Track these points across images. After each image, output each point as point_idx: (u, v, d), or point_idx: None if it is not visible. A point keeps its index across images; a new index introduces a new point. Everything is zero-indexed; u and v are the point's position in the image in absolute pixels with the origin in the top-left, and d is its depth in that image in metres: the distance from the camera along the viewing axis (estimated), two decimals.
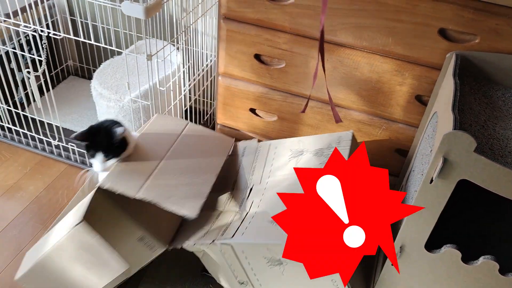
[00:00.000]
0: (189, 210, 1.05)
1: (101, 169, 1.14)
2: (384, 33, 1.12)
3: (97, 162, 1.13)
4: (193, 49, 1.62)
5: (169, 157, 1.20)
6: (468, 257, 0.92)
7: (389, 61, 1.16)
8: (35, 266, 1.11)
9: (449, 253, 0.92)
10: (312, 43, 1.20)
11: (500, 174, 0.78)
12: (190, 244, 1.11)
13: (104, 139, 1.13)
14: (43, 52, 1.41)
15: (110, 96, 1.52)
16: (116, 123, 1.16)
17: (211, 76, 1.75)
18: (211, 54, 1.69)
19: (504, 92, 1.06)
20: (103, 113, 1.58)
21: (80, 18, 1.76)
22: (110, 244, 1.07)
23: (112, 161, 1.14)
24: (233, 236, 1.07)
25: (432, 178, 0.84)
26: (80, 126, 1.78)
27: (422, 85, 1.17)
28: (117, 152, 1.14)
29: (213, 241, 1.07)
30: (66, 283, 1.13)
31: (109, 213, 1.09)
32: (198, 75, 1.65)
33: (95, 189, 1.07)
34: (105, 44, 1.41)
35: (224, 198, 1.21)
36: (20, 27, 1.40)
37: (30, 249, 1.21)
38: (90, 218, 1.03)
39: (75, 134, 1.13)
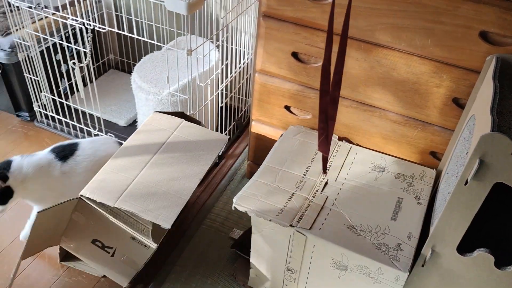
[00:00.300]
0: (164, 220, 1.10)
1: None
2: (423, 34, 1.11)
3: None
4: (231, 47, 1.65)
5: (153, 163, 1.25)
6: (501, 262, 0.91)
7: (427, 62, 1.15)
8: None
9: (482, 257, 0.91)
10: (350, 42, 1.20)
11: None
12: (265, 218, 1.11)
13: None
14: (89, 44, 1.47)
15: (149, 89, 1.57)
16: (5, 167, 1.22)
17: (247, 74, 1.78)
18: (248, 52, 1.72)
19: None
20: (142, 106, 1.63)
21: (124, 13, 1.81)
22: (109, 242, 1.19)
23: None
24: (310, 228, 1.08)
25: (467, 179, 0.84)
26: (118, 117, 1.85)
27: (460, 87, 1.16)
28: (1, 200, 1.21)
29: (291, 225, 1.09)
30: None
31: (97, 218, 1.17)
32: (235, 72, 1.68)
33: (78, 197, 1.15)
34: (147, 39, 1.46)
35: (296, 179, 1.22)
36: (68, 20, 1.47)
37: None
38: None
39: None
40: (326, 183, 1.20)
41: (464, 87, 1.15)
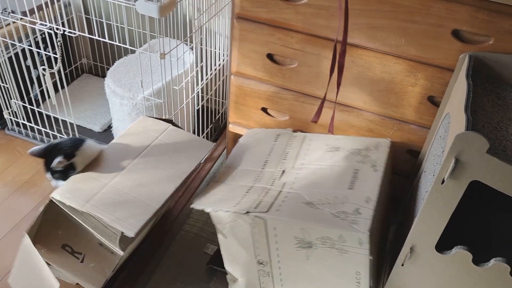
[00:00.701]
0: (128, 228, 1.06)
1: (54, 186, 1.18)
2: (397, 33, 1.12)
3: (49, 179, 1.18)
4: (206, 49, 1.63)
5: (131, 168, 1.21)
6: (479, 259, 0.91)
7: (402, 61, 1.16)
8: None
9: (460, 254, 0.91)
10: (325, 43, 1.20)
11: None
12: (222, 210, 1.09)
13: (50, 162, 1.16)
14: (59, 49, 1.43)
15: (123, 94, 1.54)
16: (74, 146, 1.18)
17: (223, 75, 1.76)
18: (223, 54, 1.70)
19: None
20: (116, 111, 1.60)
21: (95, 16, 1.78)
22: (78, 248, 1.14)
23: (61, 183, 1.17)
24: (267, 211, 1.06)
25: (444, 178, 0.84)
26: (93, 123, 1.81)
27: (434, 86, 1.16)
28: (63, 175, 1.17)
29: (247, 212, 1.06)
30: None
31: (68, 221, 1.14)
32: (211, 74, 1.66)
33: (48, 201, 1.11)
34: (119, 42, 1.43)
35: (254, 174, 1.21)
36: (36, 25, 1.42)
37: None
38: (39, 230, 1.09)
39: (31, 149, 1.16)
40: (284, 171, 1.20)
41: (438, 85, 1.16)
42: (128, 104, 1.53)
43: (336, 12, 1.14)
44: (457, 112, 0.91)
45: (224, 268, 1.22)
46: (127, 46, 1.37)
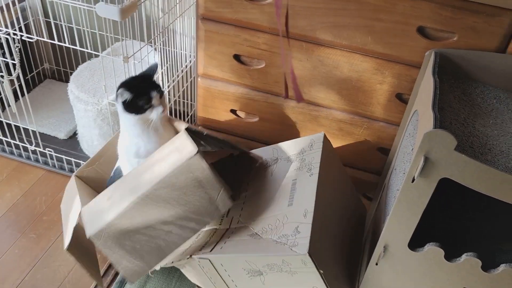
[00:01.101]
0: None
1: (161, 111, 1.10)
2: (363, 32, 1.11)
3: (155, 104, 1.10)
4: (171, 50, 1.60)
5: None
6: (451, 255, 0.92)
7: (369, 60, 1.15)
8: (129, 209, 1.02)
9: (432, 251, 0.92)
10: (291, 42, 1.19)
11: (480, 171, 0.78)
12: (168, 263, 1.11)
13: (149, 79, 1.12)
14: (17, 55, 1.37)
15: (87, 99, 1.49)
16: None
17: (190, 77, 1.73)
18: (190, 55, 1.67)
19: (483, 89, 1.06)
20: (81, 117, 1.55)
21: (55, 20, 1.71)
22: None
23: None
24: (211, 250, 1.06)
25: (414, 177, 0.84)
26: (58, 130, 1.74)
27: (402, 83, 1.16)
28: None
29: (191, 256, 1.07)
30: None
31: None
32: (177, 76, 1.63)
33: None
34: (81, 46, 1.38)
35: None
36: None
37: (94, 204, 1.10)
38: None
39: (121, 86, 1.10)
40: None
41: (406, 83, 1.16)
42: (93, 110, 1.48)
43: (301, 10, 1.13)
44: (425, 109, 0.91)
45: None
46: (88, 50, 1.32)
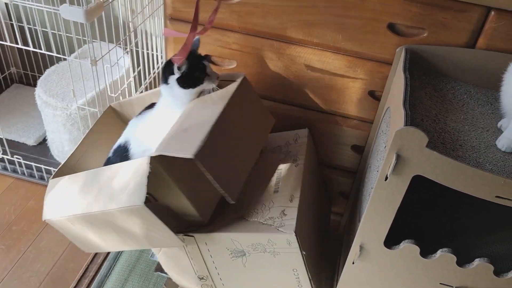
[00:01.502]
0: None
1: (217, 78, 1.07)
2: (334, 29, 1.10)
3: (210, 73, 1.07)
4: (143, 52, 1.56)
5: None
6: (427, 251, 0.92)
7: (341, 57, 1.15)
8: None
9: (408, 248, 0.92)
10: (262, 41, 1.17)
11: (452, 168, 0.78)
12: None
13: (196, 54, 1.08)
14: None
15: (56, 104, 1.45)
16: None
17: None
18: (162, 56, 1.64)
19: (453, 85, 1.07)
20: (50, 122, 1.51)
21: (20, 23, 1.66)
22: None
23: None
24: (196, 229, 1.05)
25: (387, 175, 0.83)
26: (26, 136, 1.69)
27: (374, 80, 1.16)
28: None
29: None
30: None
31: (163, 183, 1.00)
32: (149, 78, 1.60)
33: (148, 158, 0.94)
34: (49, 50, 1.34)
35: None
36: None
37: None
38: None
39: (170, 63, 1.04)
40: None
41: (378, 80, 1.16)
42: (62, 114, 1.44)
43: (271, 9, 1.11)
44: (396, 106, 0.91)
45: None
46: (52, 54, 1.28)
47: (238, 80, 1.10)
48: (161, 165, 0.93)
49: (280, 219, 1.03)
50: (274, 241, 1.02)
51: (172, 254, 1.12)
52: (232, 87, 1.08)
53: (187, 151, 0.91)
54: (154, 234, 0.99)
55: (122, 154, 1.10)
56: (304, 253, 1.03)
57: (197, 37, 1.07)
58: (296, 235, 0.99)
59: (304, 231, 1.04)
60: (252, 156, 1.11)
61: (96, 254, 1.35)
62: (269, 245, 1.03)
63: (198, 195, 1.03)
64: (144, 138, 1.09)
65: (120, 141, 1.13)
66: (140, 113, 1.16)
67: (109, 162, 1.12)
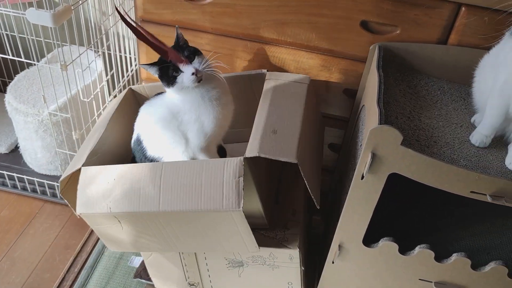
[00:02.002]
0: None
1: (192, 73, 0.96)
2: (307, 28, 1.10)
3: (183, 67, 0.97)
4: (116, 55, 1.53)
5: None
6: (406, 249, 0.92)
7: (315, 56, 1.14)
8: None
9: (387, 246, 0.92)
10: (235, 42, 1.16)
11: (427, 165, 0.78)
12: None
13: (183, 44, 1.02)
14: None
15: (27, 110, 1.41)
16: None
17: (138, 81, 1.67)
18: (135, 59, 1.61)
19: (427, 81, 1.07)
20: (21, 129, 1.47)
21: None
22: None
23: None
24: None
25: (363, 174, 0.83)
26: None
27: (349, 78, 1.16)
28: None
29: None
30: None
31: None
32: (123, 81, 1.57)
33: (242, 160, 0.89)
34: (18, 55, 1.30)
35: None
36: None
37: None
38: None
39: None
40: None
41: (353, 78, 1.16)
42: (33, 121, 1.40)
43: (244, 9, 1.10)
44: (371, 104, 0.91)
45: (151, 280, 1.17)
46: (23, 60, 1.25)
47: (307, 82, 1.09)
48: (249, 166, 0.90)
49: (283, 232, 1.03)
50: (276, 255, 1.02)
51: (163, 259, 1.10)
52: (303, 89, 1.07)
53: (289, 155, 0.89)
54: (233, 237, 0.95)
55: (138, 149, 1.05)
56: (303, 268, 1.03)
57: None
58: (299, 251, 1.00)
59: (305, 246, 1.05)
60: (320, 158, 1.11)
61: (73, 262, 1.32)
62: (270, 258, 1.03)
63: (265, 198, 1.01)
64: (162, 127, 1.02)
65: (135, 135, 1.07)
66: (148, 100, 1.08)
67: (133, 160, 1.07)
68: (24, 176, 1.50)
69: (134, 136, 1.07)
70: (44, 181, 1.49)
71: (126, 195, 0.92)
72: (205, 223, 0.92)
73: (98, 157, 1.02)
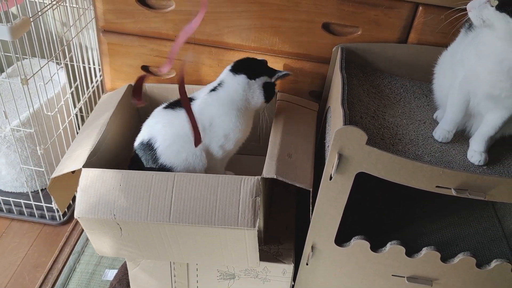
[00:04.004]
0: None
1: None
2: (270, 32, 1.11)
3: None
4: (80, 66, 1.50)
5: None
6: (377, 246, 0.93)
7: (280, 60, 1.15)
8: None
9: (358, 244, 0.93)
10: (201, 49, 1.16)
11: (392, 162, 0.80)
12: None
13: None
14: None
15: None
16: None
17: (103, 92, 1.65)
18: (100, 69, 1.58)
19: (390, 80, 1.09)
20: None
21: None
22: None
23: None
24: None
25: (331, 175, 0.84)
26: None
27: (314, 81, 1.17)
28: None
29: None
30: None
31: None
32: (88, 93, 1.54)
33: (260, 179, 0.90)
34: None
35: None
36: None
37: None
38: None
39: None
40: None
41: (318, 80, 1.17)
42: None
43: (207, 16, 1.10)
44: (336, 105, 0.92)
45: None
46: None
47: (315, 109, 1.14)
48: (262, 186, 0.91)
49: (276, 246, 1.04)
50: (269, 269, 1.02)
51: (151, 271, 1.07)
52: (313, 116, 1.12)
53: (304, 181, 0.92)
54: (237, 253, 0.95)
55: (147, 153, 1.00)
56: (293, 283, 1.04)
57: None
58: (294, 266, 1.01)
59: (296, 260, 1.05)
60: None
61: (43, 281, 1.29)
62: (263, 272, 1.03)
63: (266, 215, 1.03)
64: (184, 141, 0.99)
65: (143, 136, 1.02)
66: (169, 107, 1.04)
67: (134, 160, 1.02)
68: None
69: (144, 138, 1.01)
70: (10, 199, 1.44)
71: (134, 203, 0.90)
72: (214, 238, 0.92)
73: (97, 157, 0.99)
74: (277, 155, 0.95)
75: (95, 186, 0.92)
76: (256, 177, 0.89)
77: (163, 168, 0.99)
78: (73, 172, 0.95)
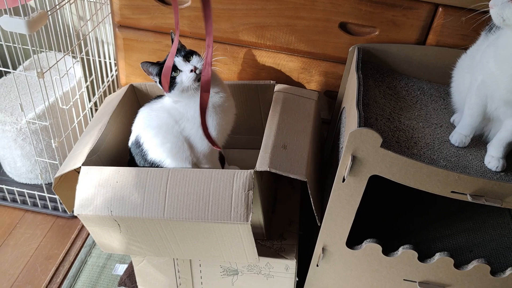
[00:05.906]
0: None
1: (190, 70, 0.95)
2: (286, 31, 1.10)
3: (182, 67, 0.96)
4: (96, 60, 1.51)
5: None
6: (389, 249, 0.92)
7: (295, 59, 1.14)
8: None
9: (370, 247, 0.92)
10: (215, 46, 1.15)
11: (407, 166, 0.78)
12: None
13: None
14: None
15: (4, 119, 1.38)
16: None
17: (118, 86, 1.65)
18: (115, 64, 1.59)
19: (407, 82, 1.07)
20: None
21: None
22: None
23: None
24: None
25: (344, 176, 0.83)
26: None
27: (329, 80, 1.16)
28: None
29: None
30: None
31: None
32: (103, 87, 1.55)
33: (252, 173, 0.88)
34: None
35: None
36: None
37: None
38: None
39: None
40: None
41: (333, 80, 1.16)
42: (11, 130, 1.38)
43: (222, 13, 1.09)
44: (351, 106, 0.91)
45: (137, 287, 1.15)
46: (0, 68, 1.22)
47: (315, 98, 1.09)
48: (257, 179, 0.90)
49: (279, 242, 1.03)
50: (272, 265, 1.02)
51: (155, 266, 1.08)
52: (311, 105, 1.07)
53: (298, 172, 0.89)
54: (235, 248, 0.94)
55: (137, 151, 1.02)
56: (297, 279, 1.03)
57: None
58: (296, 262, 1.00)
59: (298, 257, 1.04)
60: (321, 174, 1.11)
61: (55, 273, 1.30)
62: (266, 268, 1.03)
63: (266, 210, 1.01)
64: (165, 131, 0.99)
65: (132, 137, 1.04)
66: (148, 103, 1.06)
67: (130, 163, 1.04)
68: (4, 186, 1.47)
69: (133, 138, 1.04)
70: (24, 190, 1.46)
71: (129, 199, 0.91)
72: (209, 233, 0.92)
73: (98, 156, 1.00)
74: (271, 147, 0.93)
75: (93, 184, 0.92)
76: (249, 170, 0.88)
77: (154, 165, 1.00)
78: (78, 172, 0.95)
